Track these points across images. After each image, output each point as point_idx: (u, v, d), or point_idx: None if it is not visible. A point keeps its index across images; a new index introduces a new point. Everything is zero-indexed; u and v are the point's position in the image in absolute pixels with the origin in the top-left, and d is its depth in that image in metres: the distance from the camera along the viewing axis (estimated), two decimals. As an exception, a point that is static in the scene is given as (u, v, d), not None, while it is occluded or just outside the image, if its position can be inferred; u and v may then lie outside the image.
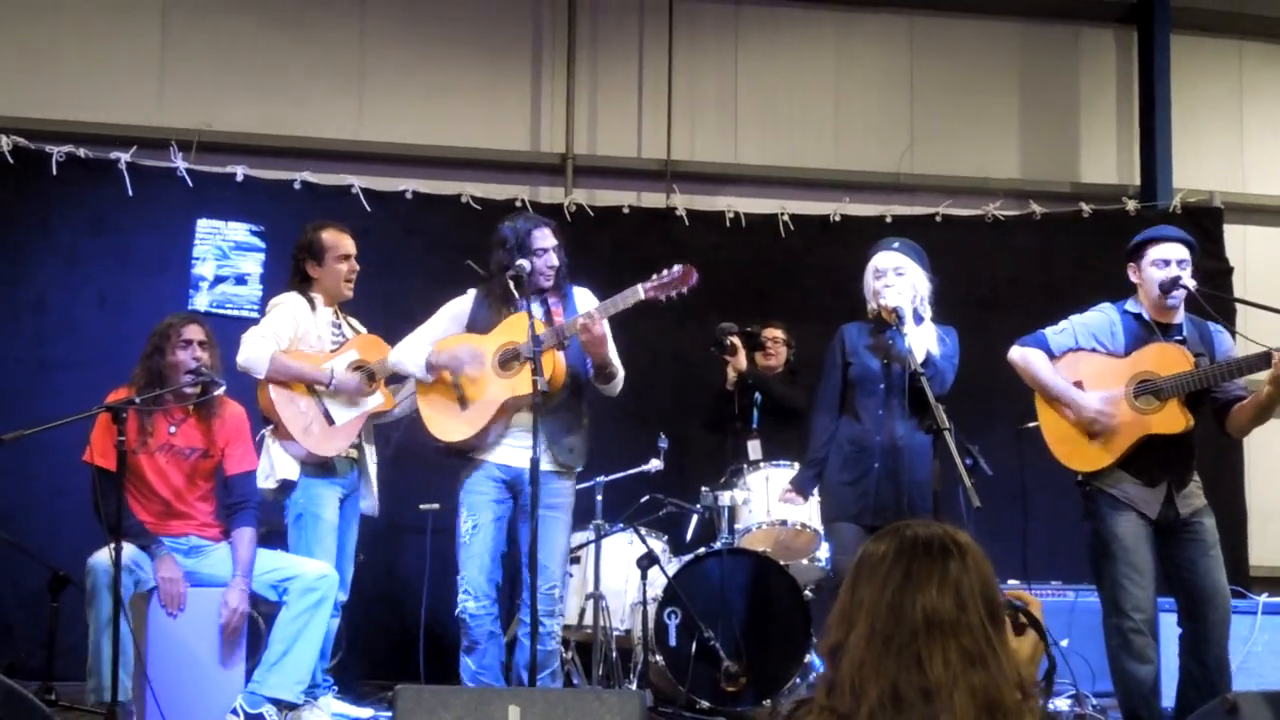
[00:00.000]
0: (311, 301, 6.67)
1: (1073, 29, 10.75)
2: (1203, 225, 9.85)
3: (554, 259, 6.09)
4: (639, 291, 5.88)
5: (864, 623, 2.51)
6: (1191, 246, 5.85)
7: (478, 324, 6.12)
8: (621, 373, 6.14)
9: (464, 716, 3.72)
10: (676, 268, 5.91)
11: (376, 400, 6.65)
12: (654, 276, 5.92)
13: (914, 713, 2.44)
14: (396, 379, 6.74)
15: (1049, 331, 5.94)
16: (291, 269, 6.81)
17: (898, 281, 6.04)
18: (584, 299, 6.20)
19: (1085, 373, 5.82)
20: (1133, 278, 5.89)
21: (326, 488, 6.57)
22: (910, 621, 2.47)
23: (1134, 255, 5.87)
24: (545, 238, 6.09)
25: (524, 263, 5.92)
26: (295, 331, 6.56)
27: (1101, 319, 5.91)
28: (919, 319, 6.05)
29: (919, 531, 2.56)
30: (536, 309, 5.92)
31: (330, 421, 6.53)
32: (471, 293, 6.22)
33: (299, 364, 6.48)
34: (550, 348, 5.81)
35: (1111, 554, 5.63)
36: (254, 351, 6.39)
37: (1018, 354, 5.94)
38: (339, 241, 6.72)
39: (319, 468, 6.55)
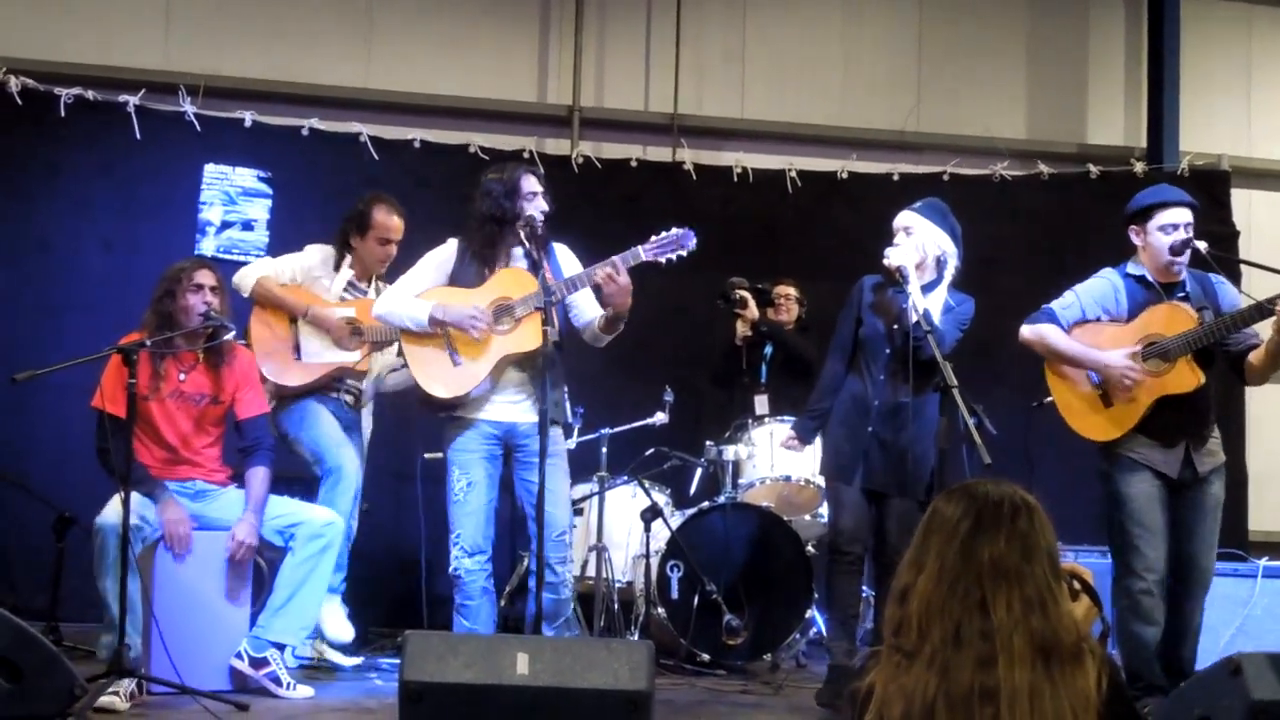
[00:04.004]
0: (339, 260, 6.85)
1: (1083, -11, 10.72)
2: (1210, 189, 9.84)
3: (543, 203, 6.00)
4: (639, 253, 5.84)
5: (933, 565, 2.64)
6: (1195, 208, 5.86)
7: (461, 278, 6.01)
8: None
9: (472, 663, 3.72)
10: (675, 230, 5.88)
11: (352, 356, 6.75)
12: (653, 238, 5.88)
13: (971, 651, 2.55)
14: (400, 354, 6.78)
15: (1055, 305, 5.93)
16: (339, 229, 6.96)
17: (904, 241, 6.05)
18: (564, 255, 6.13)
19: (1095, 343, 5.83)
20: (1135, 240, 5.87)
21: (313, 403, 6.77)
22: (977, 565, 2.60)
23: (1138, 218, 5.86)
24: (533, 183, 6.01)
25: (534, 214, 5.89)
26: (302, 278, 6.80)
27: (1104, 285, 5.92)
28: (938, 280, 6.06)
29: (990, 490, 2.72)
30: (526, 262, 5.91)
31: (297, 356, 6.68)
32: (453, 242, 6.10)
33: (282, 293, 6.72)
34: (543, 305, 5.73)
35: (1124, 514, 5.68)
36: (248, 270, 6.74)
37: (1029, 331, 5.93)
38: (386, 223, 6.90)
39: (295, 396, 6.75)
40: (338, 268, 6.84)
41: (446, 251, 6.10)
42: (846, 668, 5.96)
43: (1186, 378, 5.63)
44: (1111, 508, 5.76)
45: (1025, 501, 2.71)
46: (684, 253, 5.88)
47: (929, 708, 2.60)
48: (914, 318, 5.75)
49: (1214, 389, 5.77)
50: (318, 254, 6.89)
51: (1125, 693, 2.76)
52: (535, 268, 5.74)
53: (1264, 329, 5.59)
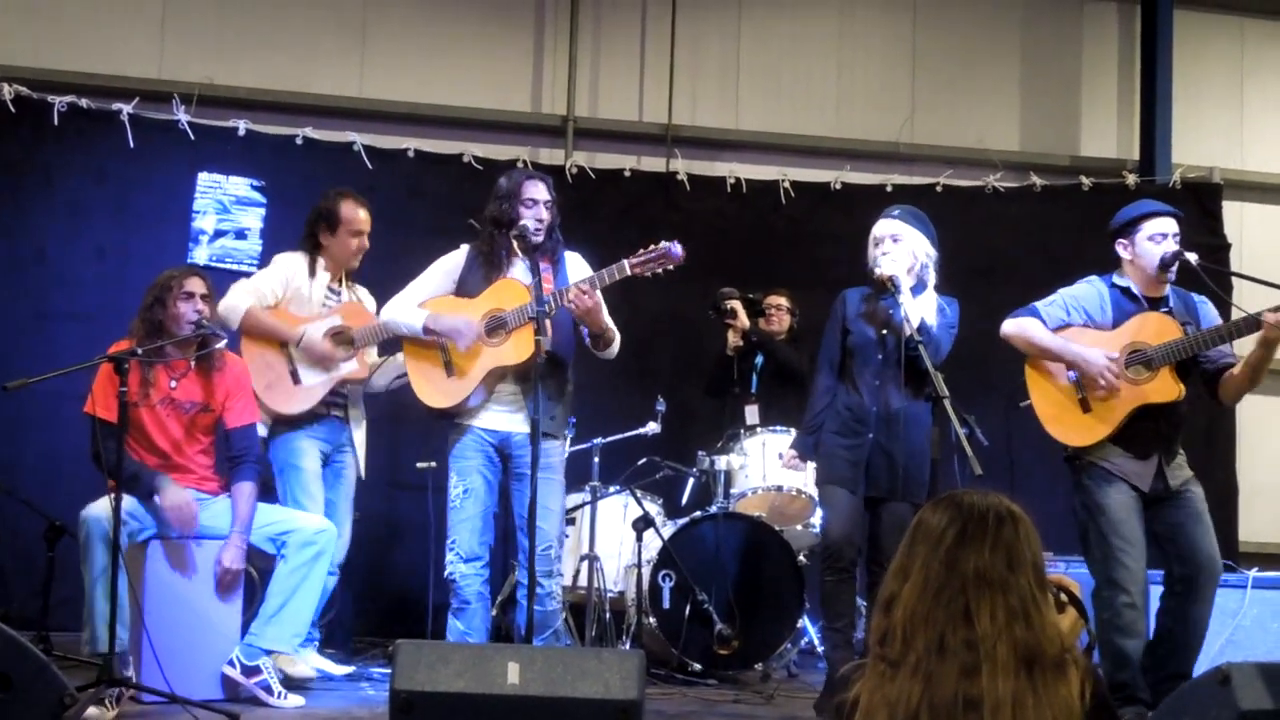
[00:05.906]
0: (313, 265, 6.74)
1: (1076, 2, 10.75)
2: (1201, 201, 9.92)
3: (543, 213, 5.98)
4: (625, 267, 5.82)
5: (918, 574, 2.65)
6: (1180, 218, 5.87)
7: (467, 285, 6.05)
8: (618, 336, 6.10)
9: (463, 672, 3.72)
10: (664, 244, 5.85)
11: (350, 367, 6.69)
12: (640, 252, 5.85)
13: (956, 660, 2.56)
14: (391, 347, 6.74)
15: (1040, 305, 5.92)
16: (305, 230, 6.88)
17: (894, 249, 6.04)
18: (575, 264, 6.14)
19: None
20: (1123, 253, 5.87)
21: (303, 439, 6.66)
22: (961, 575, 2.61)
23: (1125, 231, 5.86)
24: (535, 189, 6.01)
25: (527, 223, 5.88)
26: (285, 291, 6.69)
27: (1090, 291, 5.91)
28: (921, 286, 6.06)
29: (975, 500, 2.72)
30: (528, 273, 5.87)
31: (296, 381, 6.59)
32: (465, 248, 6.14)
33: (273, 321, 6.62)
34: (535, 315, 5.67)
35: (1104, 525, 5.62)
36: (233, 301, 6.55)
37: (1011, 325, 5.91)
38: (355, 216, 6.81)
39: (290, 423, 6.63)
40: (312, 273, 6.79)
41: (456, 258, 6.14)
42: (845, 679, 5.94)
43: (1169, 388, 5.63)
44: (1088, 518, 5.72)
45: (1011, 512, 2.72)
46: (670, 266, 5.87)
47: (913, 717, 2.61)
48: (908, 330, 5.75)
49: (1186, 405, 5.75)
50: (292, 263, 6.78)
51: (1109, 704, 2.76)
52: (535, 274, 5.74)
53: (1247, 343, 5.60)
